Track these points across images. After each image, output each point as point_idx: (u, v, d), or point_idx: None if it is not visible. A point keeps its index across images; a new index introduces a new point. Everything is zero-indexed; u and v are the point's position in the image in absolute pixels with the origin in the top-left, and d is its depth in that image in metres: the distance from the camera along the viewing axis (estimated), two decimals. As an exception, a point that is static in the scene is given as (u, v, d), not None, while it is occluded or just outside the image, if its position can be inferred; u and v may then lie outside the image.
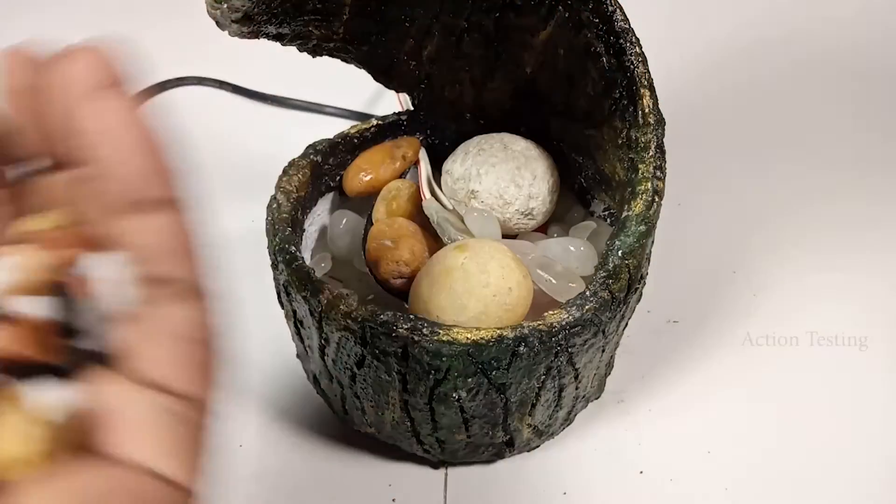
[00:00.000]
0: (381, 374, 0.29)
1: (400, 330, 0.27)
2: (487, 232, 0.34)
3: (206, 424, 0.16)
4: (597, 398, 0.37)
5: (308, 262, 0.35)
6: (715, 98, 0.58)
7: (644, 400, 0.38)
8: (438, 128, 0.40)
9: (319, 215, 0.39)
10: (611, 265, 0.29)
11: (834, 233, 0.46)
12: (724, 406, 0.37)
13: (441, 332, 0.27)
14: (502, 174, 0.34)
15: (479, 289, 0.29)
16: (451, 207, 0.36)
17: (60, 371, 0.15)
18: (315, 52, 0.29)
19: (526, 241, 0.35)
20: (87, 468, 0.14)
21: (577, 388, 0.32)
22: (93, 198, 0.15)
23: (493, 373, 0.28)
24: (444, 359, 0.27)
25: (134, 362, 0.15)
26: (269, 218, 0.33)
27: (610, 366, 0.37)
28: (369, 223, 0.37)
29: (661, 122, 0.31)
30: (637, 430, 0.36)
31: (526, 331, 0.27)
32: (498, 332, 0.27)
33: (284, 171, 0.36)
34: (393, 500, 0.34)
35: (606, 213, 0.37)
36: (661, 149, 0.31)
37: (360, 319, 0.28)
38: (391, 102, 0.54)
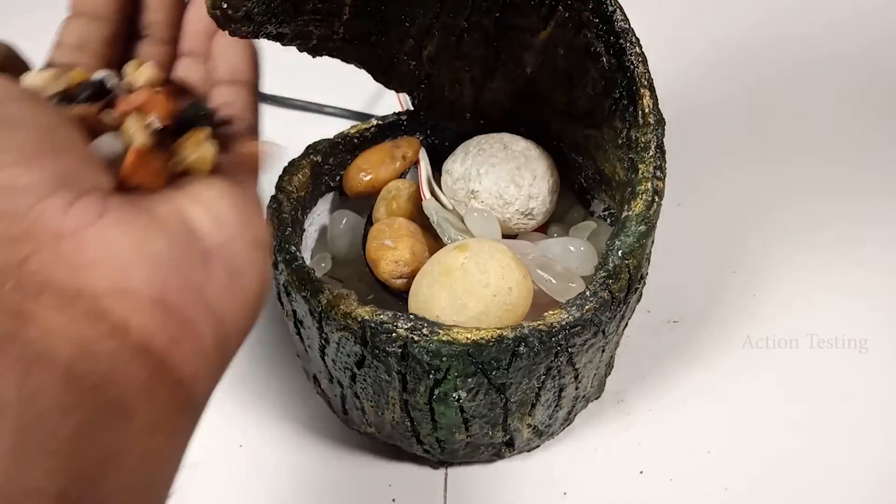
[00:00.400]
0: (381, 374, 0.29)
1: (400, 330, 0.27)
2: (487, 232, 0.34)
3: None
4: (597, 398, 0.37)
5: (308, 262, 0.35)
6: (715, 98, 0.58)
7: (644, 400, 0.38)
8: (438, 128, 0.40)
9: (319, 215, 0.39)
10: (611, 265, 0.29)
11: (834, 233, 0.46)
12: (724, 406, 0.37)
13: (441, 332, 0.27)
14: (502, 174, 0.34)
15: (479, 289, 0.29)
16: (451, 207, 0.36)
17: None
18: (315, 52, 0.29)
19: (526, 241, 0.35)
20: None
21: (577, 388, 0.32)
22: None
23: (493, 373, 0.28)
24: (444, 359, 0.27)
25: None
26: (269, 218, 0.33)
27: (610, 366, 0.37)
28: (369, 223, 0.37)
29: (661, 122, 0.31)
30: (637, 430, 0.36)
31: (526, 331, 0.27)
32: (498, 332, 0.27)
33: (284, 171, 0.36)
34: (393, 500, 0.34)
35: (606, 213, 0.37)
36: (661, 149, 0.31)
37: (360, 319, 0.28)
38: (391, 102, 0.54)
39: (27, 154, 0.17)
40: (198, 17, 0.25)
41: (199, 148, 0.21)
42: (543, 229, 0.37)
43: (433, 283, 0.30)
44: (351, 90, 0.54)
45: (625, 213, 0.31)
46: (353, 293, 0.33)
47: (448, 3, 0.32)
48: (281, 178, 0.35)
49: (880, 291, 0.42)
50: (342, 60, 0.33)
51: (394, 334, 0.27)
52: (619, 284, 0.29)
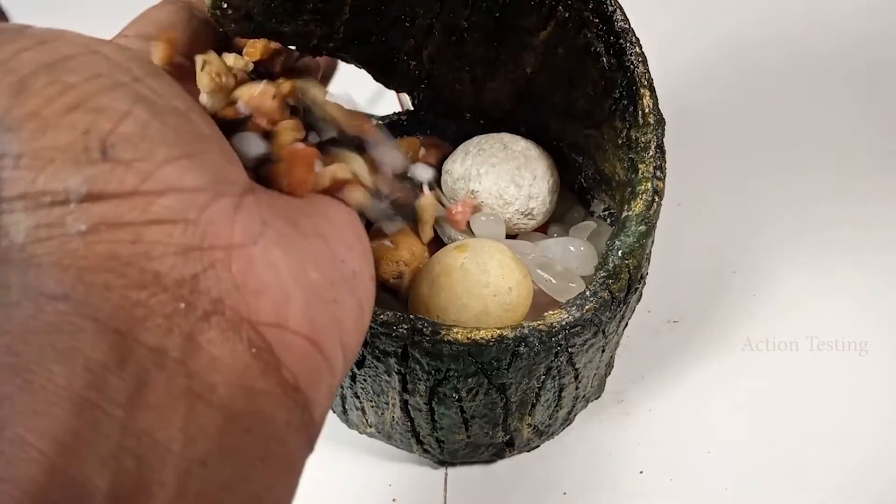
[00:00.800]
0: (381, 375, 0.29)
1: (400, 330, 0.27)
2: (493, 235, 0.34)
3: None
4: (597, 398, 0.37)
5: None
6: (715, 98, 0.58)
7: (644, 400, 0.38)
8: (438, 128, 0.40)
9: (319, 215, 0.39)
10: (611, 265, 0.29)
11: (834, 234, 0.46)
12: (724, 406, 0.37)
13: (441, 332, 0.27)
14: (502, 174, 0.34)
15: (478, 289, 0.29)
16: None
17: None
18: (315, 52, 0.29)
19: (526, 241, 0.35)
20: None
21: (577, 388, 0.32)
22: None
23: (493, 373, 0.28)
24: (444, 359, 0.27)
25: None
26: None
27: (610, 366, 0.37)
28: (369, 223, 0.37)
29: (661, 122, 0.31)
30: (637, 430, 0.36)
31: (526, 331, 0.27)
32: (498, 332, 0.27)
33: (284, 171, 0.35)
34: (393, 500, 0.34)
35: (606, 213, 0.37)
36: (661, 149, 0.31)
37: (360, 319, 0.28)
38: (391, 102, 0.54)
39: (189, 150, 0.15)
40: None
41: (351, 164, 0.21)
42: (543, 229, 0.37)
43: (433, 284, 0.30)
44: (351, 90, 0.54)
45: (625, 213, 0.31)
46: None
47: (448, 3, 0.32)
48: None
49: (880, 293, 0.42)
50: (342, 60, 0.33)
51: (394, 334, 0.27)
52: (619, 284, 0.29)
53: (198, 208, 0.14)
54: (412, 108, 0.40)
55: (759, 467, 0.35)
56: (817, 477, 0.34)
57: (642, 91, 0.30)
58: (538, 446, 0.35)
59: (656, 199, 0.31)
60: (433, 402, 0.29)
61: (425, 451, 0.33)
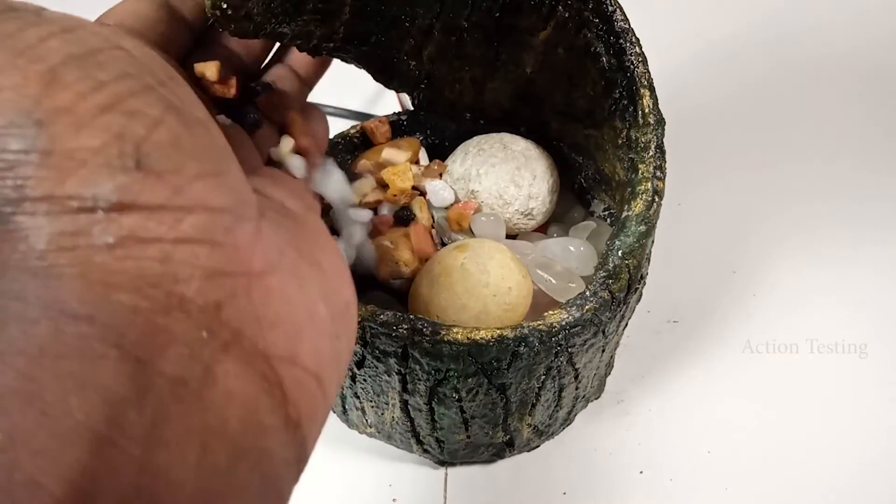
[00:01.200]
0: (381, 375, 0.29)
1: (400, 330, 0.27)
2: (493, 235, 0.34)
3: None
4: (597, 398, 0.37)
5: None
6: (715, 98, 0.58)
7: (644, 400, 0.38)
8: (438, 128, 0.40)
9: (319, 215, 0.39)
10: (611, 265, 0.29)
11: (834, 233, 0.46)
12: (724, 406, 0.37)
13: (441, 332, 0.27)
14: (502, 174, 0.34)
15: (478, 289, 0.29)
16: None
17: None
18: (315, 52, 0.29)
19: (526, 241, 0.35)
20: None
21: (577, 388, 0.32)
22: None
23: (493, 373, 0.28)
24: (444, 359, 0.27)
25: None
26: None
27: (610, 366, 0.37)
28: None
29: (661, 122, 0.31)
30: (637, 430, 0.36)
31: (526, 331, 0.27)
32: (498, 332, 0.27)
33: (284, 171, 0.35)
34: (393, 500, 0.34)
35: (606, 213, 0.37)
36: (661, 149, 0.31)
37: (360, 319, 0.28)
38: (391, 102, 0.54)
39: (217, 167, 0.14)
40: None
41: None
42: (543, 229, 0.37)
43: (433, 283, 0.30)
44: (351, 90, 0.54)
45: (625, 213, 0.31)
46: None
47: (448, 3, 0.32)
48: (281, 178, 0.35)
49: (880, 295, 0.42)
50: (342, 60, 0.33)
51: (394, 334, 0.27)
52: (619, 284, 0.29)
53: (224, 230, 0.14)
54: (412, 108, 0.40)
55: (759, 467, 0.35)
56: (817, 478, 0.34)
57: (642, 91, 0.30)
58: (538, 446, 0.35)
59: (656, 199, 0.31)
60: (433, 403, 0.29)
61: (425, 451, 0.33)
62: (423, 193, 0.36)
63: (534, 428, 0.33)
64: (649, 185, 0.31)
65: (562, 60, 0.33)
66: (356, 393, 0.31)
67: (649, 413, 0.37)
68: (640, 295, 0.33)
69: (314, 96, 0.30)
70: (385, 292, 0.34)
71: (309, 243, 0.17)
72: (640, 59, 0.30)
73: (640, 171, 0.31)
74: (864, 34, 0.63)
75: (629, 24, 0.30)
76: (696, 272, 0.44)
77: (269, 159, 0.24)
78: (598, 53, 0.31)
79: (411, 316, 0.28)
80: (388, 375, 0.29)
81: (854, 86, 0.58)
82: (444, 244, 0.35)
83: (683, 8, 0.67)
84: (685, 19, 0.66)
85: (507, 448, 0.34)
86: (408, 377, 0.28)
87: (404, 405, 0.30)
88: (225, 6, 0.22)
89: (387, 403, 0.31)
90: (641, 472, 0.35)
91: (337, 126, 0.41)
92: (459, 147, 0.37)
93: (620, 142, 0.32)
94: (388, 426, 0.32)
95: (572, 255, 0.33)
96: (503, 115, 0.37)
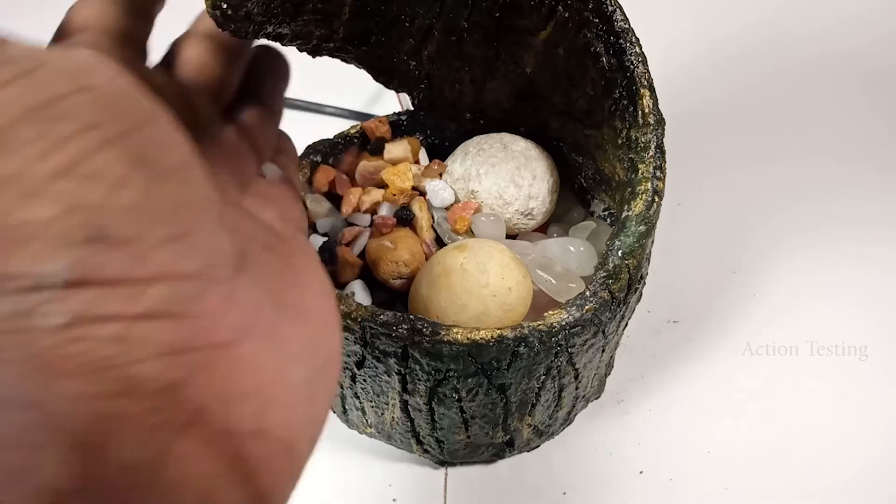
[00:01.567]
0: (381, 375, 0.29)
1: (400, 330, 0.27)
2: (493, 235, 0.34)
3: None
4: (597, 398, 0.37)
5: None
6: (715, 98, 0.58)
7: (644, 400, 0.38)
8: (438, 128, 0.40)
9: (319, 215, 0.39)
10: (611, 265, 0.29)
11: (835, 234, 0.46)
12: (725, 406, 0.37)
13: (441, 332, 0.27)
14: (502, 174, 0.34)
15: (478, 289, 0.29)
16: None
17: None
18: (315, 52, 0.29)
19: (526, 241, 0.35)
20: None
21: (577, 388, 0.32)
22: None
23: (493, 373, 0.28)
24: (444, 359, 0.27)
25: None
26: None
27: (610, 366, 0.37)
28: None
29: (661, 122, 0.31)
30: (637, 430, 0.36)
31: (526, 331, 0.27)
32: (498, 332, 0.27)
33: (284, 171, 0.35)
34: (393, 500, 0.34)
35: (606, 213, 0.37)
36: (661, 149, 0.31)
37: (360, 319, 0.28)
38: (391, 102, 0.54)
39: (184, 227, 0.13)
40: None
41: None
42: (543, 229, 0.37)
43: (433, 284, 0.30)
44: (351, 90, 0.54)
45: (625, 213, 0.31)
46: (353, 293, 0.33)
47: (448, 3, 0.32)
48: (281, 178, 0.35)
49: (881, 297, 0.42)
50: (342, 60, 0.33)
51: (394, 335, 0.27)
52: (619, 284, 0.29)
53: (190, 299, 0.13)
54: (412, 108, 0.40)
55: (759, 467, 0.35)
56: (817, 479, 0.34)
57: (642, 91, 0.30)
58: (538, 446, 0.35)
59: (656, 199, 0.31)
60: (433, 403, 0.29)
61: (425, 451, 0.33)
62: (423, 193, 0.36)
63: (534, 428, 0.33)
64: (649, 185, 0.31)
65: (562, 60, 0.33)
66: (356, 393, 0.31)
67: (649, 413, 0.37)
68: (640, 295, 0.33)
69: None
70: (385, 292, 0.34)
71: (293, 285, 0.16)
72: (640, 59, 0.30)
73: (640, 171, 0.31)
74: (865, 34, 0.63)
75: (629, 24, 0.30)
76: (696, 272, 0.44)
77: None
78: (598, 53, 0.31)
79: (411, 316, 0.28)
80: (388, 375, 0.29)
81: (854, 86, 0.58)
82: (444, 244, 0.35)
83: (683, 8, 0.67)
84: (685, 19, 0.66)
85: (507, 448, 0.34)
86: (408, 377, 0.28)
87: (404, 405, 0.30)
88: (225, 6, 0.22)
89: (387, 403, 0.31)
90: (641, 472, 0.35)
91: (337, 126, 0.41)
92: (459, 147, 0.37)
93: (620, 142, 0.32)
94: (388, 426, 0.32)
95: (572, 255, 0.33)
96: (503, 115, 0.37)
